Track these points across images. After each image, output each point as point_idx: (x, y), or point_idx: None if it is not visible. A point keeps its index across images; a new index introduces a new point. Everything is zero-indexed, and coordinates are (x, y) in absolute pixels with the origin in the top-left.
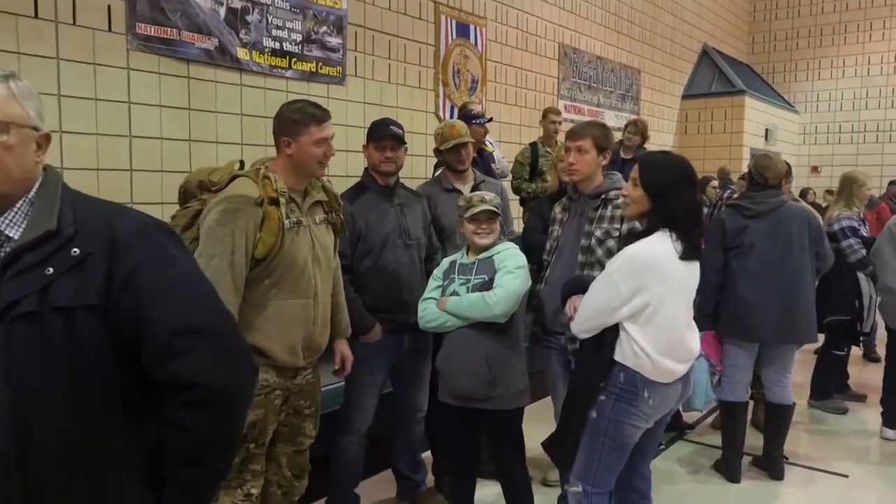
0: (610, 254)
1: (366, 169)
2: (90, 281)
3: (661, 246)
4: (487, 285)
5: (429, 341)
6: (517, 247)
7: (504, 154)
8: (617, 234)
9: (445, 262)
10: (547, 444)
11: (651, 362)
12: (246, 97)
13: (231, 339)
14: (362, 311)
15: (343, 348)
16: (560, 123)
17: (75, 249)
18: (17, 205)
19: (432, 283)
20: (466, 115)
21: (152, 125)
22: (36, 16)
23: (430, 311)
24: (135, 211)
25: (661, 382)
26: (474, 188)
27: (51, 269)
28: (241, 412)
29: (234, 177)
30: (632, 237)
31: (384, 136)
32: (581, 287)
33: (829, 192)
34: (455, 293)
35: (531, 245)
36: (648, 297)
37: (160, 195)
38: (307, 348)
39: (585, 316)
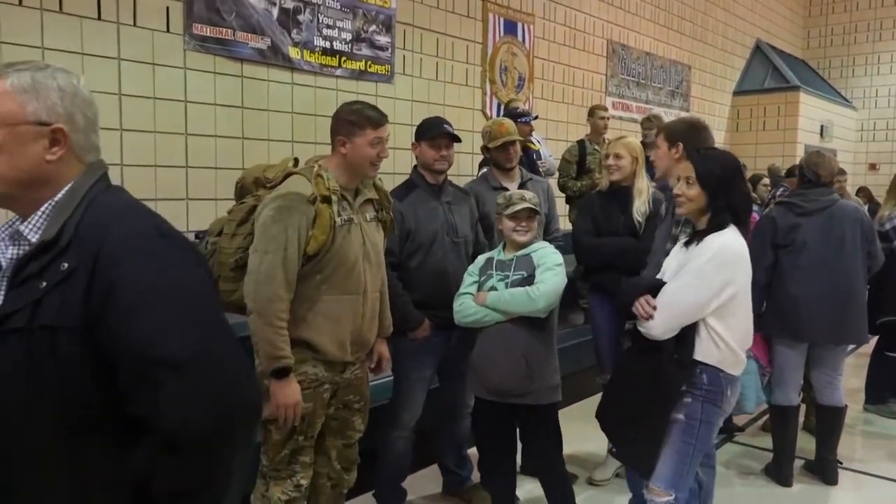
0: None
1: (414, 167)
2: (71, 299)
3: (739, 238)
4: (527, 281)
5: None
6: (552, 245)
7: (551, 151)
8: None
9: (481, 259)
10: (621, 453)
11: (733, 355)
12: (297, 95)
13: (218, 375)
14: (411, 307)
15: (381, 347)
16: (608, 120)
17: (64, 263)
18: (42, 208)
19: (468, 279)
20: (511, 113)
21: (207, 123)
22: (99, 17)
23: (467, 306)
24: (141, 215)
25: (736, 376)
26: (521, 186)
27: (44, 283)
28: (223, 458)
29: (289, 174)
30: (699, 236)
31: (439, 134)
32: (645, 288)
33: None
34: (493, 289)
35: (584, 248)
36: (735, 288)
37: (214, 191)
38: (355, 343)
39: (674, 315)
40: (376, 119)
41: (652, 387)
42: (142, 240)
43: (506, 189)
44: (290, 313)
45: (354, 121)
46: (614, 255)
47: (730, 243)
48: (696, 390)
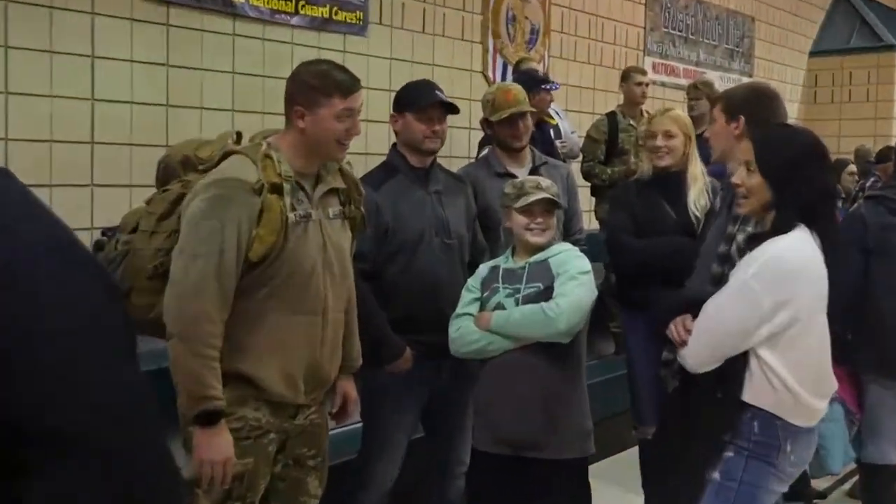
0: None
1: (394, 146)
2: None
3: (806, 245)
4: (544, 295)
5: (474, 371)
6: (576, 248)
7: (574, 128)
8: None
9: (484, 269)
10: None
11: (794, 399)
12: (239, 51)
13: (122, 460)
14: (388, 331)
15: (346, 385)
16: (646, 87)
17: None
18: None
19: (467, 295)
20: (527, 78)
21: (121, 85)
22: None
23: (466, 331)
24: (29, 219)
25: (803, 428)
26: (532, 172)
27: None
28: None
29: (228, 153)
30: (755, 241)
31: (431, 103)
32: (688, 304)
33: None
34: (500, 307)
35: (625, 251)
36: (795, 312)
37: (128, 174)
38: (311, 379)
39: (710, 342)
40: (346, 84)
41: (689, 434)
42: (26, 263)
43: (513, 176)
44: (225, 339)
45: (317, 86)
46: (665, 259)
47: (787, 252)
48: (741, 441)
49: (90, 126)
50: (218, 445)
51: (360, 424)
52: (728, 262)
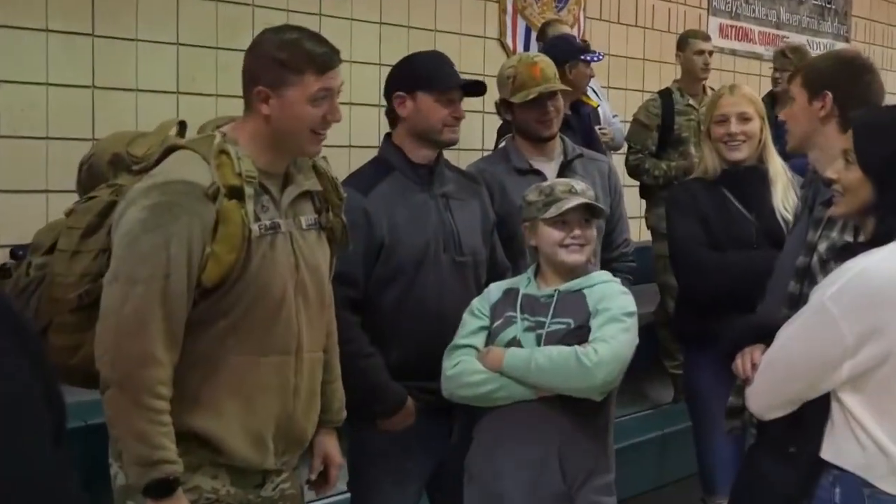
0: None
1: (387, 136)
2: None
3: None
4: (574, 337)
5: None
6: (617, 280)
7: (615, 111)
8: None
9: (496, 290)
10: None
11: (886, 460)
12: (185, 16)
13: None
14: (383, 377)
15: (327, 444)
16: (710, 56)
17: None
18: None
19: (471, 321)
20: (560, 47)
21: (33, 62)
22: None
23: (468, 369)
24: None
25: None
26: (564, 168)
27: None
28: None
29: (170, 149)
30: (847, 252)
31: (453, 85)
32: (760, 332)
33: None
34: (515, 343)
35: (703, 268)
36: (888, 346)
37: (44, 177)
38: (283, 438)
39: (778, 381)
40: (323, 57)
41: (757, 500)
42: None
43: (538, 173)
44: (174, 387)
45: (285, 60)
46: (760, 278)
47: (879, 269)
48: None
49: None
50: None
51: (346, 496)
52: (807, 277)
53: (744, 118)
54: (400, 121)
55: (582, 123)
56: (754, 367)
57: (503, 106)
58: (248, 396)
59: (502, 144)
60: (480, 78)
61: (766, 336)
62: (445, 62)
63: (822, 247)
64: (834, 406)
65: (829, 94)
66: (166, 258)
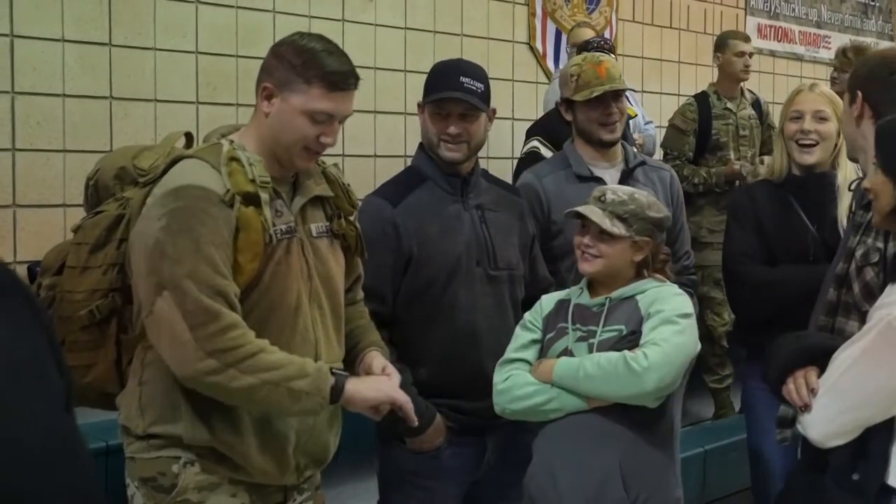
0: (868, 292)
1: (420, 146)
2: None
3: None
4: (627, 342)
5: (529, 455)
6: (674, 285)
7: (650, 116)
8: (877, 256)
9: (548, 302)
10: None
11: None
12: (204, 22)
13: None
14: (413, 394)
15: (376, 358)
16: (750, 58)
17: None
18: None
19: (523, 335)
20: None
21: (49, 70)
22: None
23: (519, 382)
24: None
25: None
26: (626, 175)
27: None
28: None
29: (176, 160)
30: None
31: (445, 97)
32: (812, 353)
33: None
34: (567, 354)
35: (752, 286)
36: None
37: (61, 191)
38: (304, 452)
39: (841, 408)
40: (336, 77)
41: None
42: None
43: (599, 180)
44: (190, 399)
45: (297, 66)
46: (807, 293)
47: None
48: None
49: (10, 127)
50: (368, 383)
51: None
52: (845, 284)
53: (820, 117)
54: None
55: None
56: (811, 391)
57: (565, 105)
58: (265, 409)
59: (567, 145)
60: (509, 83)
61: (818, 359)
62: (447, 72)
63: (859, 253)
64: None
65: (860, 94)
66: (202, 256)
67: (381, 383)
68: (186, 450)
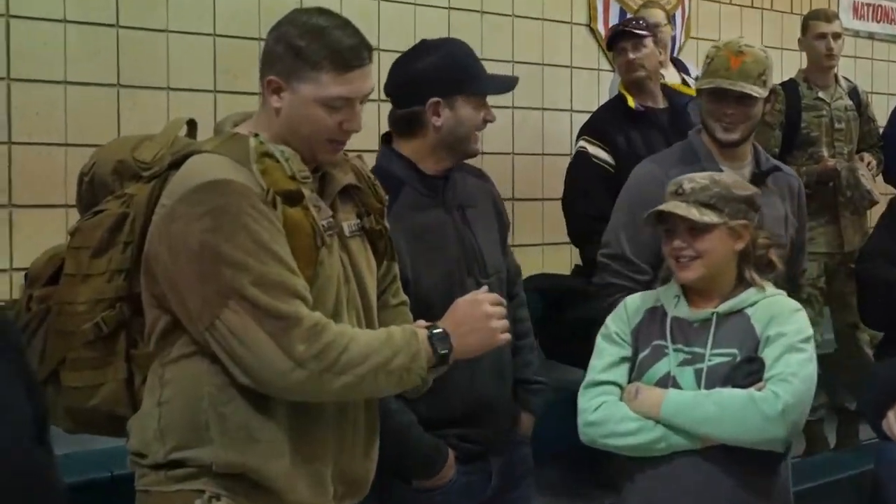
0: None
1: (387, 144)
2: None
3: None
4: (745, 373)
5: (529, 467)
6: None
7: None
8: None
9: (635, 308)
10: None
11: None
12: (223, 2)
13: None
14: (419, 433)
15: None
16: (834, 40)
17: None
18: None
19: (609, 350)
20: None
21: (50, 58)
22: None
23: (616, 415)
24: None
25: None
26: (755, 180)
27: None
28: None
29: (191, 153)
30: None
31: (498, 88)
32: None
33: None
34: (669, 379)
35: (879, 291)
36: None
37: (62, 189)
38: (341, 479)
39: None
40: (346, 52)
41: None
42: None
43: None
44: (221, 420)
45: (302, 49)
46: None
47: None
48: None
49: (6, 118)
50: (463, 328)
51: None
52: None
53: None
54: (426, 130)
55: (677, 118)
56: None
57: (699, 89)
58: (301, 428)
59: (693, 136)
60: (567, 69)
61: None
62: (472, 52)
63: None
64: None
65: None
66: (267, 256)
67: (469, 318)
68: (213, 480)
